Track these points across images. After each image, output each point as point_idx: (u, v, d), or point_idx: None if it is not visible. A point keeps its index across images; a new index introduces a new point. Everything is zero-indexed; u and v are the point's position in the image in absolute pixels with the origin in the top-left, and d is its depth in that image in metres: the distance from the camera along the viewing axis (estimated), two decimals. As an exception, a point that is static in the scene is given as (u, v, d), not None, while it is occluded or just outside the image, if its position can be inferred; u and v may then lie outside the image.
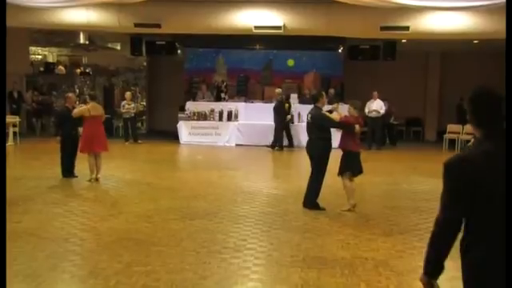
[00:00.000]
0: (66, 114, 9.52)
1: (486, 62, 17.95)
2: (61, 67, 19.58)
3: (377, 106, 15.72)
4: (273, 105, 15.29)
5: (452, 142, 15.90)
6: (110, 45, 19.55)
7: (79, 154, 9.45)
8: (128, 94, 16.46)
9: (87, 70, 20.22)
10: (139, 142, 15.86)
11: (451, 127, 16.23)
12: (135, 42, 16.70)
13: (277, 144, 14.86)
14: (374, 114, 15.65)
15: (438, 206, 2.43)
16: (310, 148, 7.40)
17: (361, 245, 5.76)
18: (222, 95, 17.25)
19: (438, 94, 19.46)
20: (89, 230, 6.21)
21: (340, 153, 7.34)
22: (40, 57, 20.54)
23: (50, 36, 18.24)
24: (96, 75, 19.84)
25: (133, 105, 16.35)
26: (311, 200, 7.32)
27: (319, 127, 7.26)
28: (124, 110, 16.01)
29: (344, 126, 7.26)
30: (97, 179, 9.21)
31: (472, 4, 11.89)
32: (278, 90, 15.58)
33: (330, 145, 7.32)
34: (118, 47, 19.64)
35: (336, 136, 7.59)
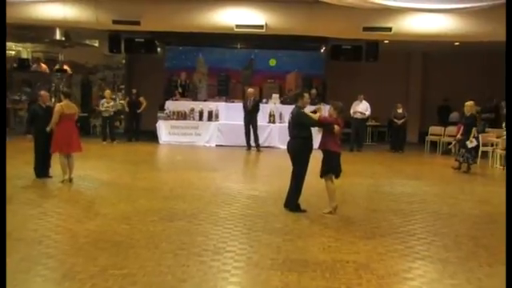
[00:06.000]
0: (39, 112, 9.26)
1: (468, 64, 18.13)
2: (43, 65, 19.08)
3: (362, 108, 15.78)
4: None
5: (434, 144, 16.01)
6: (87, 41, 19.19)
7: (54, 154, 9.17)
8: (107, 92, 16.17)
9: (64, 67, 19.81)
10: (116, 141, 15.57)
11: (433, 129, 16.34)
12: (113, 39, 16.41)
13: (255, 145, 14.74)
14: (358, 116, 15.70)
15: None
16: (291, 147, 7.34)
17: (342, 247, 5.71)
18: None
19: (420, 96, 19.61)
20: (64, 231, 6.04)
21: (321, 154, 7.27)
22: (13, 52, 19.96)
23: (23, 31, 17.76)
24: (73, 72, 19.44)
25: (112, 103, 16.06)
26: (292, 201, 7.24)
27: (299, 126, 7.21)
28: (103, 109, 15.70)
29: (322, 124, 7.21)
30: (70, 180, 8.93)
31: (454, 6, 12.01)
32: (251, 90, 15.32)
33: (311, 144, 7.25)
34: (96, 44, 19.31)
35: (317, 137, 7.52)
